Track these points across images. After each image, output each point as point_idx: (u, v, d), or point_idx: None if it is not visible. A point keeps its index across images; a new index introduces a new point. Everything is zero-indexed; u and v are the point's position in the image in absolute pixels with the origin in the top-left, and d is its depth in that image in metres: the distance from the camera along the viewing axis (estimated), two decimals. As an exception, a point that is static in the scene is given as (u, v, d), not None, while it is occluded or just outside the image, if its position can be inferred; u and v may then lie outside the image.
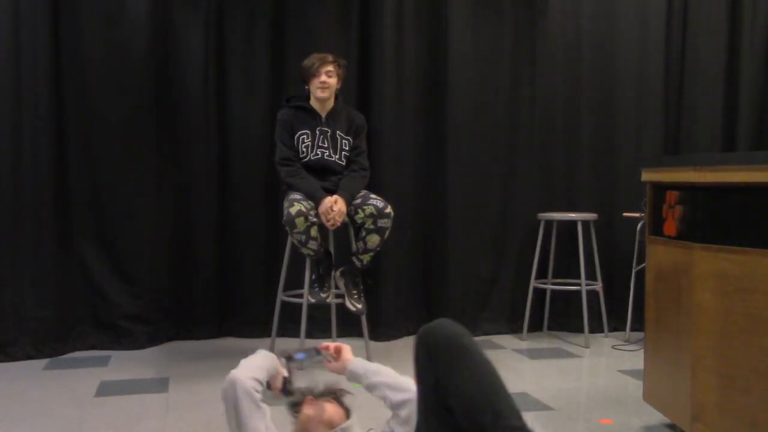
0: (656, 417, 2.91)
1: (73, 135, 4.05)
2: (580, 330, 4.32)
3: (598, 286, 4.41)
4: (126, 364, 3.78)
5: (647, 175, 2.77)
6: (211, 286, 4.31)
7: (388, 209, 3.61)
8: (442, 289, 4.47)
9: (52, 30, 3.92)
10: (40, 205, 3.91)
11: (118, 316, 4.11)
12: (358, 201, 3.66)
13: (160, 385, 3.39)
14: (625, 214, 4.39)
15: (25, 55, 3.84)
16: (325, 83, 3.70)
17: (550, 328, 4.62)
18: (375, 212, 3.57)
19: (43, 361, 3.84)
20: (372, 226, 3.56)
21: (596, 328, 4.48)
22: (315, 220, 3.52)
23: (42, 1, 3.86)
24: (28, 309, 3.89)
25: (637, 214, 4.24)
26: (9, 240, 3.86)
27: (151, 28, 4.10)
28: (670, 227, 2.59)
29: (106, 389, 3.32)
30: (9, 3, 3.79)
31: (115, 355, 3.97)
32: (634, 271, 4.35)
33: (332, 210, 3.54)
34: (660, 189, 2.68)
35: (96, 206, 4.10)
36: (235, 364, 2.07)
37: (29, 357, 3.86)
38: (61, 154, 4.01)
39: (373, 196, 3.70)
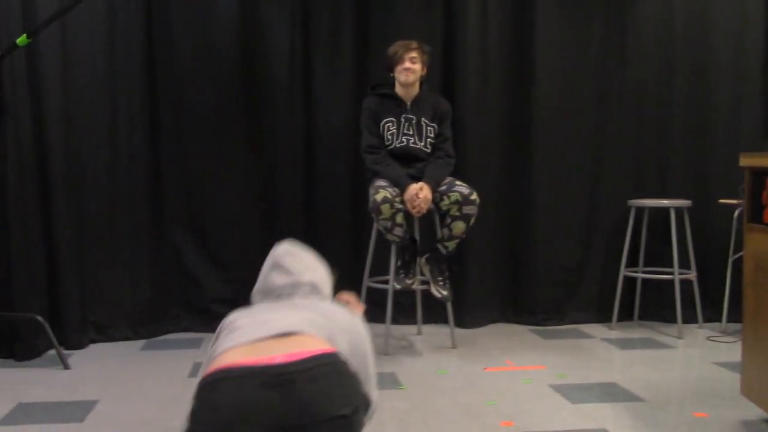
0: (755, 411, 2.81)
1: (166, 127, 4.17)
2: (673, 320, 4.19)
3: (692, 275, 4.26)
4: (217, 346, 3.91)
5: (745, 160, 2.65)
6: (298, 271, 4.37)
7: (474, 196, 3.59)
8: (529, 276, 4.42)
9: (145, 28, 4.05)
10: (135, 194, 4.05)
11: (210, 299, 4.21)
12: (444, 188, 3.65)
13: (250, 367, 3.48)
14: (721, 200, 4.24)
15: (120, 51, 3.98)
16: (409, 69, 3.69)
17: (640, 318, 4.50)
18: (460, 199, 3.56)
19: (140, 342, 3.99)
20: (457, 213, 3.55)
21: (690, 318, 4.33)
22: (401, 206, 3.53)
23: (136, 6, 3.98)
24: (125, 293, 4.05)
25: (734, 201, 4.08)
26: (106, 228, 4.01)
27: (239, 22, 4.18)
28: (771, 214, 2.50)
29: (198, 370, 3.39)
30: (103, 2, 3.90)
31: (207, 337, 4.03)
32: (730, 260, 4.20)
33: (418, 197, 3.55)
34: (759, 175, 2.57)
35: (188, 194, 4.22)
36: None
37: (126, 338, 4.02)
38: (154, 145, 4.14)
39: (458, 183, 3.67)
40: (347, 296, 2.28)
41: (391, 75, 3.78)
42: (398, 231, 3.55)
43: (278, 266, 2.03)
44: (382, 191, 3.50)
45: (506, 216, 4.45)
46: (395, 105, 3.76)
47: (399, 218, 3.52)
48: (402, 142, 3.75)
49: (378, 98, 3.80)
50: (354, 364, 1.69)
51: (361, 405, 1.62)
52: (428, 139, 3.78)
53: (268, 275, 2.04)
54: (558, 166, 4.43)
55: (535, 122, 4.40)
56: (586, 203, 4.48)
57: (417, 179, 3.64)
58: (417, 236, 3.84)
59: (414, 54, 3.71)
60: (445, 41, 4.35)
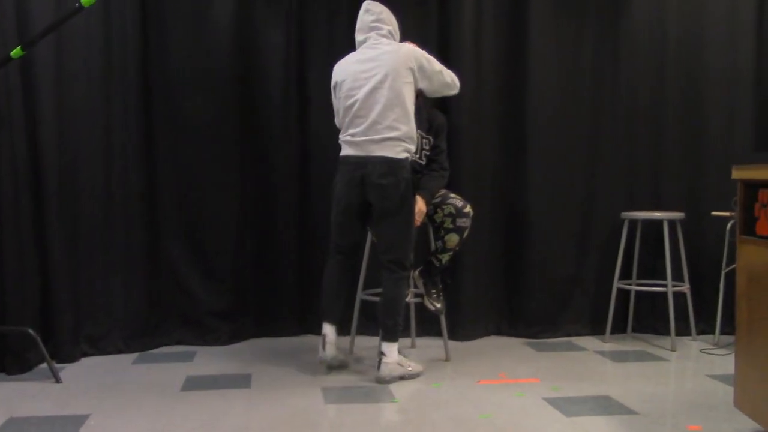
0: (748, 424, 2.80)
1: (161, 137, 4.15)
2: (666, 333, 4.18)
3: (686, 287, 4.25)
4: (210, 359, 3.85)
5: (738, 173, 2.66)
6: (293, 284, 4.34)
7: (468, 209, 3.59)
8: (523, 288, 4.39)
9: (140, 37, 4.02)
10: (129, 205, 4.02)
11: (203, 313, 4.18)
12: (438, 200, 3.64)
13: (243, 380, 3.44)
14: (714, 213, 4.23)
15: (115, 61, 3.95)
16: None
17: (634, 330, 4.48)
18: (454, 211, 3.56)
19: (133, 356, 3.95)
20: (451, 226, 3.55)
21: (683, 330, 4.32)
22: None
23: (130, 6, 3.95)
24: (118, 305, 4.00)
25: (726, 214, 4.08)
26: (100, 239, 3.97)
27: (233, 29, 4.17)
28: (763, 227, 2.49)
29: (191, 384, 3.39)
30: (98, 11, 3.88)
31: (200, 350, 4.05)
32: (723, 272, 4.19)
33: None
34: (752, 187, 2.57)
35: (183, 206, 4.18)
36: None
37: (119, 351, 3.98)
38: (149, 156, 4.11)
39: (452, 195, 3.67)
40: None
41: None
42: None
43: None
44: None
45: (500, 228, 4.43)
46: None
47: None
48: None
49: None
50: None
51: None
52: (423, 152, 3.76)
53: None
54: (552, 178, 4.41)
55: (529, 132, 4.38)
56: (580, 215, 4.46)
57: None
58: None
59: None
60: (440, 44, 4.32)
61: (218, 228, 4.21)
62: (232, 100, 4.20)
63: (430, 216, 3.66)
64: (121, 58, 3.98)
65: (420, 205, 3.54)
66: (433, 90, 3.48)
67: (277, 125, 4.29)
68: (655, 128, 4.47)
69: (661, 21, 4.45)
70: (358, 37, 3.48)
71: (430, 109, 3.86)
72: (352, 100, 3.38)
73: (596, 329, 4.42)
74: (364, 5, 3.48)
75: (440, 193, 3.68)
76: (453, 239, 3.56)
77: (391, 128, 3.29)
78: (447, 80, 3.48)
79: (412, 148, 3.38)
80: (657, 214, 4.14)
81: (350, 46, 3.74)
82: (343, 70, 3.45)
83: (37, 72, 3.67)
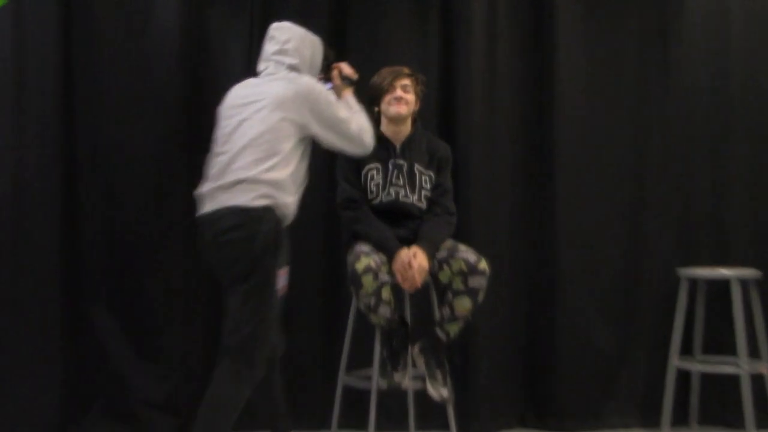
0: None
1: (85, 176, 4.03)
2: (740, 425, 3.95)
3: (764, 366, 4.04)
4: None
5: None
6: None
7: (483, 265, 3.37)
8: (552, 369, 4.22)
9: (62, 50, 3.95)
10: (43, 267, 3.88)
11: (137, 401, 4.00)
12: (444, 254, 3.44)
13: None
14: (798, 270, 4.03)
15: (28, 77, 3.87)
16: (402, 98, 3.58)
17: (700, 422, 4.26)
18: (465, 269, 3.36)
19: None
20: (461, 287, 3.36)
21: (762, 422, 4.06)
22: (387, 278, 3.31)
23: (49, 13, 3.89)
24: (29, 397, 3.83)
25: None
26: (5, 311, 3.83)
27: (182, 42, 4.06)
28: None
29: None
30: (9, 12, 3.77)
31: (133, 453, 3.78)
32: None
33: (410, 266, 3.34)
34: None
35: (112, 263, 4.03)
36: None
37: (26, 456, 3.72)
38: (70, 200, 3.99)
39: (462, 247, 3.47)
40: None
41: (376, 110, 3.62)
42: (384, 310, 3.32)
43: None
44: (363, 258, 3.29)
45: (523, 290, 4.28)
46: (381, 148, 3.57)
47: (386, 294, 3.30)
48: (390, 195, 3.56)
49: None
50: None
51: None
52: (423, 192, 3.60)
53: None
54: (586, 224, 4.26)
55: (557, 168, 4.24)
56: (624, 271, 4.30)
57: (409, 242, 3.44)
58: (408, 318, 3.62)
59: (406, 81, 3.60)
60: (443, 67, 4.25)
61: (158, 295, 4.04)
62: (177, 129, 4.07)
63: (433, 275, 3.46)
64: (35, 77, 3.86)
65: (420, 260, 3.34)
66: (329, 141, 3.23)
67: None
68: (716, 161, 4.33)
69: (723, 22, 4.35)
70: (259, 68, 3.32)
71: (431, 138, 3.74)
72: (219, 133, 3.21)
73: (649, 420, 4.23)
74: (270, 29, 3.30)
75: (446, 245, 3.49)
76: (464, 305, 3.38)
77: (248, 168, 3.03)
78: (350, 132, 3.23)
79: (283, 197, 3.05)
80: (724, 272, 3.99)
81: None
82: (228, 96, 3.29)
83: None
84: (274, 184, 3.06)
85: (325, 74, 3.35)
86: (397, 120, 3.59)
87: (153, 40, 4.06)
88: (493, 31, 4.23)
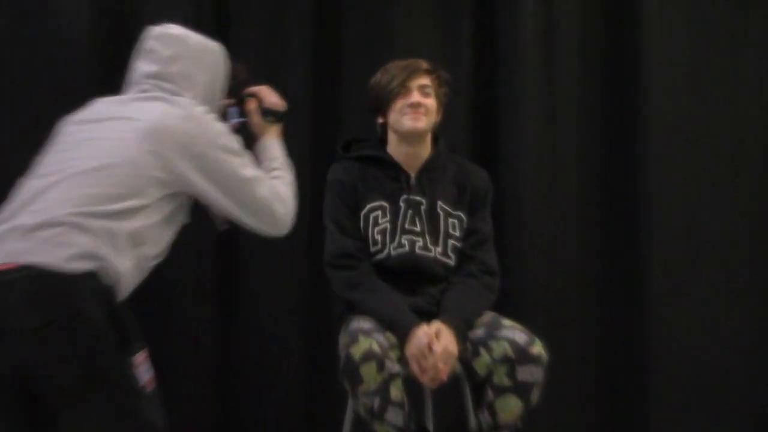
0: None
1: None
2: None
3: None
4: None
5: None
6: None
7: (537, 348, 2.82)
8: None
9: None
10: None
11: None
12: (481, 333, 2.87)
13: None
14: None
15: None
16: (420, 105, 2.98)
17: None
18: (512, 354, 2.81)
19: None
20: (507, 382, 2.82)
21: None
22: (398, 369, 2.76)
23: None
24: None
25: None
26: None
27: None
28: None
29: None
30: None
31: None
32: None
33: (432, 351, 2.79)
34: None
35: None
36: None
37: None
38: None
39: (507, 322, 2.90)
40: None
41: (380, 122, 3.06)
42: (395, 416, 2.79)
43: None
44: (363, 340, 2.77)
45: (600, 385, 3.73)
46: (389, 177, 3.02)
47: (396, 391, 2.76)
48: (402, 246, 2.99)
49: (356, 166, 3.08)
50: None
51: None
52: (450, 241, 3.03)
53: None
54: (690, 293, 3.72)
55: (644, 207, 3.69)
56: (747, 361, 3.75)
57: (430, 316, 2.87)
58: (431, 427, 3.13)
59: (425, 81, 3.03)
60: (480, 64, 3.66)
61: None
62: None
63: (465, 363, 2.90)
64: None
65: (446, 343, 2.78)
66: (222, 207, 2.59)
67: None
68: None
69: None
70: (125, 93, 2.72)
71: (461, 163, 3.20)
72: (46, 155, 2.58)
73: None
74: (148, 37, 2.72)
75: (484, 320, 2.93)
76: (511, 407, 2.86)
77: (73, 204, 2.34)
78: (255, 200, 2.62)
79: (117, 260, 2.36)
80: None
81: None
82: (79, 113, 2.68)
83: None
84: (110, 236, 2.29)
85: (236, 102, 2.69)
86: (412, 137, 2.99)
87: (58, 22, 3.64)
88: (551, 17, 3.77)
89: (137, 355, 2.24)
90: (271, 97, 2.71)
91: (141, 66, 2.58)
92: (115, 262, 2.26)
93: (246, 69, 2.74)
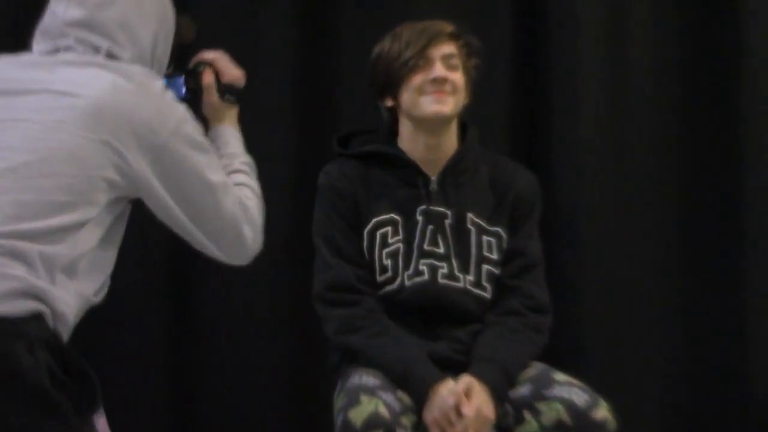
0: None
1: None
2: None
3: None
4: None
5: None
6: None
7: (603, 412, 2.44)
8: None
9: None
10: None
11: None
12: (526, 391, 2.52)
13: None
14: None
15: None
16: (444, 80, 2.52)
17: None
18: (569, 420, 2.45)
19: None
20: None
21: None
22: None
23: None
24: None
25: None
26: None
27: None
28: None
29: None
30: None
31: None
32: None
33: (460, 415, 2.47)
34: None
35: None
36: None
37: None
38: None
39: (561, 377, 2.52)
40: None
41: (389, 106, 2.58)
42: None
43: None
44: (366, 401, 2.42)
45: None
46: (401, 181, 2.59)
47: None
48: (420, 273, 2.59)
49: (357, 166, 2.64)
50: None
51: None
52: (485, 267, 2.60)
53: None
54: None
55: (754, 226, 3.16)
56: None
57: (457, 368, 2.52)
58: None
59: (451, 49, 2.57)
60: (520, 37, 3.19)
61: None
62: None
63: (505, 429, 2.56)
64: None
65: (479, 404, 2.45)
66: (176, 223, 2.12)
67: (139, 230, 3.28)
68: None
69: None
70: (38, 45, 2.16)
71: (499, 161, 2.75)
72: None
73: None
74: None
75: (530, 374, 2.56)
76: None
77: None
78: (221, 216, 2.16)
79: (62, 297, 1.96)
80: None
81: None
82: None
83: None
84: (47, 266, 1.87)
85: (182, 71, 2.16)
86: (434, 125, 2.51)
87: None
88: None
89: (96, 420, 1.93)
90: (229, 68, 2.16)
91: (60, 8, 2.06)
92: (56, 302, 1.86)
93: (191, 26, 2.21)
